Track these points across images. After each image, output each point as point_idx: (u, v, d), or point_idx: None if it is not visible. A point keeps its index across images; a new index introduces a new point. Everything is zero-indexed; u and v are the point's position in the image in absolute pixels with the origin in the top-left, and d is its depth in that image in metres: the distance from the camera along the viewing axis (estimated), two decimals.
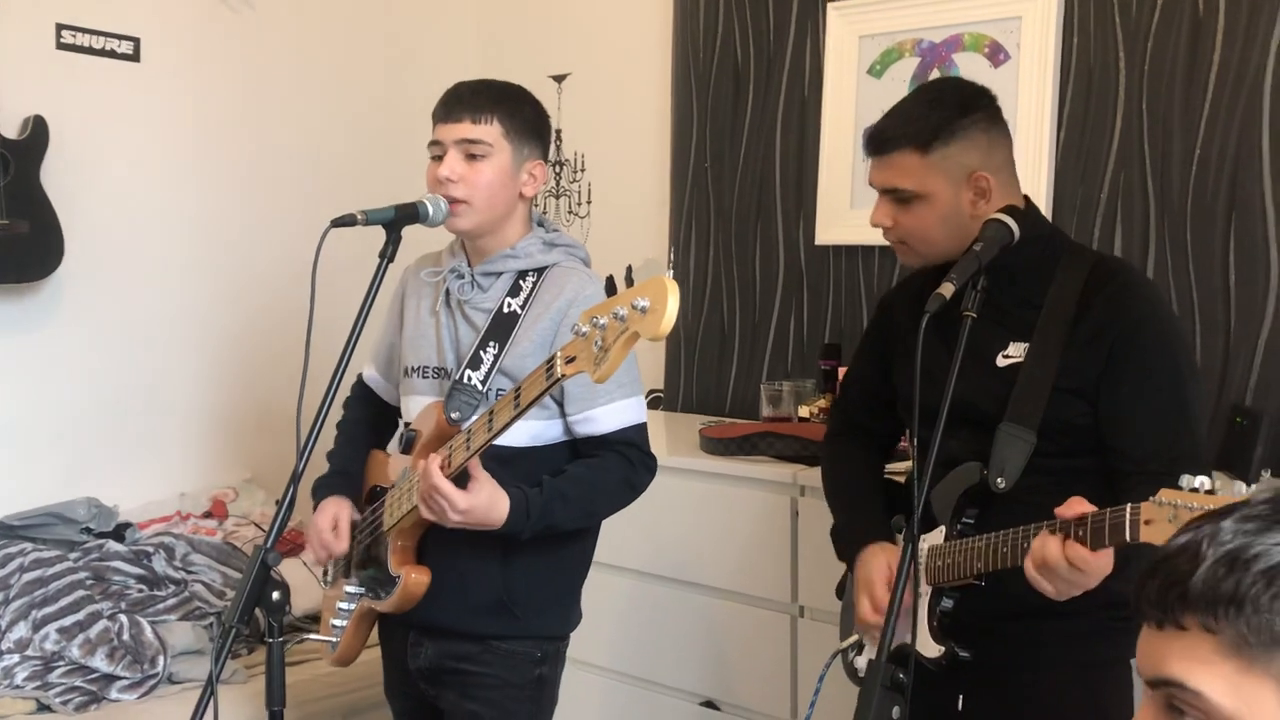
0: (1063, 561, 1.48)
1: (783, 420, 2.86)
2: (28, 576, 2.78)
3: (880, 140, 1.81)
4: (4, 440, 3.05)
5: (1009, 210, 1.71)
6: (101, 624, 2.71)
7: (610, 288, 1.48)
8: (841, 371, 2.83)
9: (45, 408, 3.12)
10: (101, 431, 3.23)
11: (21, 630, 2.69)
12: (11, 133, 2.95)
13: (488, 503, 1.82)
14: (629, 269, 1.47)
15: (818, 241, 3.11)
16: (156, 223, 3.31)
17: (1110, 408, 1.69)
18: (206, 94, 3.38)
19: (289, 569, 2.70)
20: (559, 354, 1.62)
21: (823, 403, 2.84)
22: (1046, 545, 1.50)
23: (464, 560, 1.97)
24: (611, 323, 1.50)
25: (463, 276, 2.03)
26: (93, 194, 3.14)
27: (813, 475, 2.52)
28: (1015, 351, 1.74)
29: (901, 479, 2.03)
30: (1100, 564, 1.47)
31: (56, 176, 3.01)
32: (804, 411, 2.85)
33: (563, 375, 1.61)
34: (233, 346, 3.46)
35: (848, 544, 1.89)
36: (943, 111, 1.77)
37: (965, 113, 1.77)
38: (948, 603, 1.71)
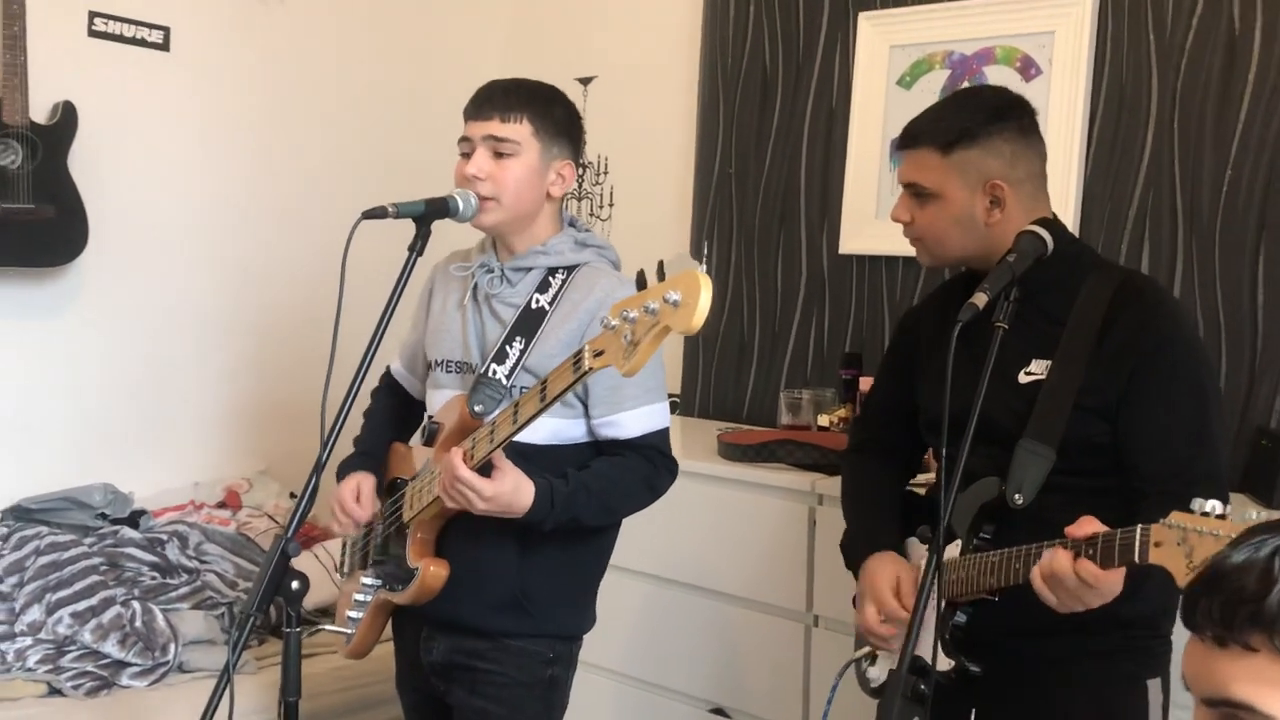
0: (1071, 575, 1.47)
1: (802, 429, 2.85)
2: (43, 560, 2.78)
3: (908, 135, 1.83)
4: (23, 424, 3.06)
5: (1043, 223, 1.70)
6: (114, 610, 2.71)
7: (641, 283, 1.47)
8: (863, 381, 2.82)
9: (64, 392, 3.13)
10: (119, 418, 3.23)
11: (35, 613, 2.69)
12: (41, 118, 2.96)
13: (512, 488, 1.82)
14: (660, 263, 1.46)
15: (841, 250, 3.10)
16: (181, 211, 3.32)
17: (1129, 426, 1.67)
18: (235, 85, 3.39)
19: (304, 562, 2.70)
20: (587, 347, 1.61)
21: (843, 412, 2.83)
22: (1056, 558, 1.49)
23: (481, 555, 1.96)
24: (642, 316, 1.49)
25: (492, 271, 2.02)
26: (119, 181, 3.15)
27: (831, 484, 2.51)
28: (1037, 368, 1.73)
29: (922, 491, 2.01)
30: (1110, 583, 1.46)
31: (84, 163, 3.02)
32: (823, 420, 2.84)
33: (590, 369, 1.60)
34: (253, 338, 3.47)
35: (855, 553, 1.89)
36: (972, 116, 1.78)
37: (994, 120, 1.77)
38: (961, 617, 1.70)
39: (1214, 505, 1.30)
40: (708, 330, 3.35)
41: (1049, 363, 1.71)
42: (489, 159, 1.95)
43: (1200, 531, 1.29)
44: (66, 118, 2.99)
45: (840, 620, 2.45)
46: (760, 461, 2.69)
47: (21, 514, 2.95)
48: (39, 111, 2.96)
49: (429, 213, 1.88)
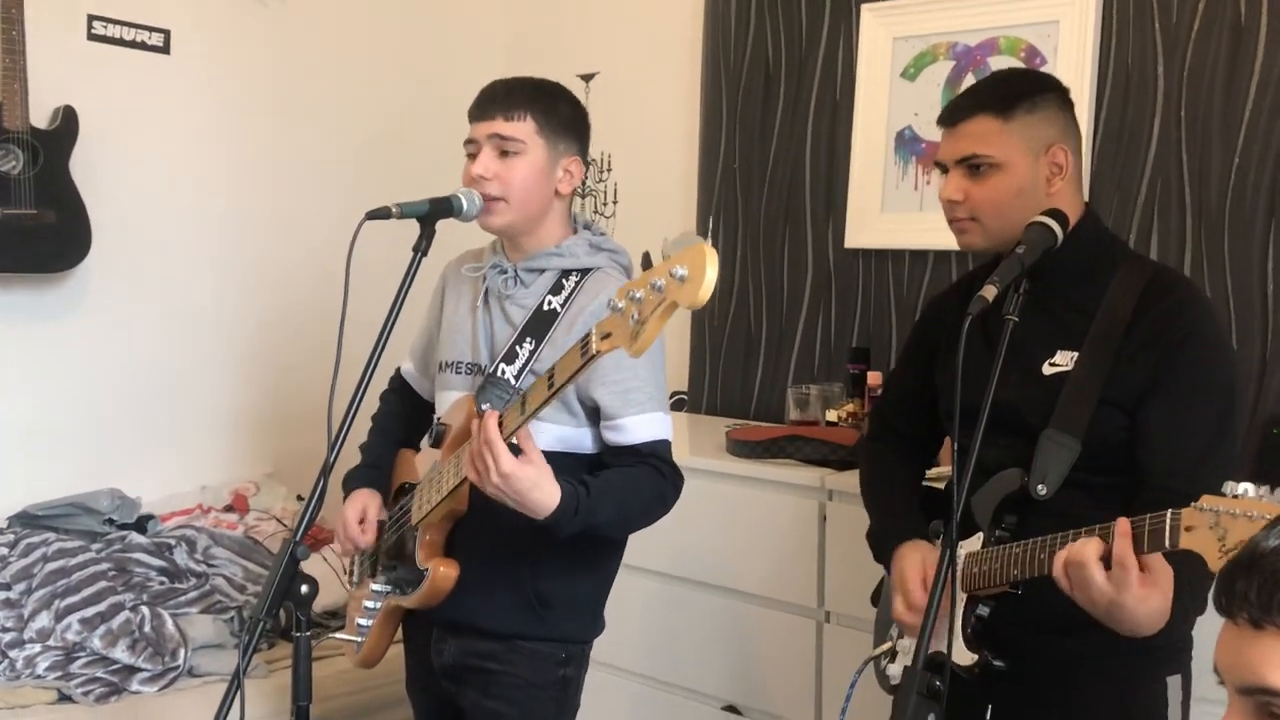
0: (1092, 563, 1.43)
1: (810, 424, 2.83)
2: (50, 566, 2.78)
3: (957, 108, 1.78)
4: (28, 430, 3.05)
5: (1052, 213, 1.69)
6: (123, 615, 2.70)
7: (646, 263, 1.47)
8: (870, 376, 2.81)
9: (69, 398, 3.13)
10: (125, 423, 3.23)
11: (44, 620, 2.69)
12: (42, 123, 2.95)
13: (532, 479, 1.75)
14: (665, 241, 1.44)
15: (847, 245, 3.09)
16: (184, 215, 3.31)
17: (1146, 421, 1.65)
18: (236, 87, 3.38)
19: (313, 565, 2.68)
20: (594, 330, 1.58)
21: (851, 407, 2.82)
22: (1086, 544, 1.45)
23: (492, 558, 1.95)
24: (648, 294, 1.47)
25: (505, 272, 2.01)
26: (120, 185, 3.14)
27: (840, 480, 2.50)
28: (1063, 360, 1.70)
29: (940, 486, 2.00)
30: (1140, 581, 1.42)
31: (85, 167, 3.01)
32: (832, 415, 2.83)
33: (598, 352, 1.57)
34: (258, 341, 3.46)
35: (884, 544, 1.86)
36: (1023, 84, 1.77)
37: (1045, 89, 1.77)
38: (983, 610, 1.68)
39: (1246, 487, 1.27)
40: (715, 328, 3.35)
41: (1075, 354, 1.69)
42: (494, 159, 1.93)
43: (1234, 514, 1.26)
44: (67, 122, 2.98)
45: (852, 616, 2.44)
46: (769, 458, 2.68)
47: (29, 520, 2.94)
48: (39, 116, 2.95)
49: (433, 212, 1.86)
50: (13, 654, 2.64)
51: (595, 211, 3.56)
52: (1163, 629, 1.49)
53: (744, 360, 3.30)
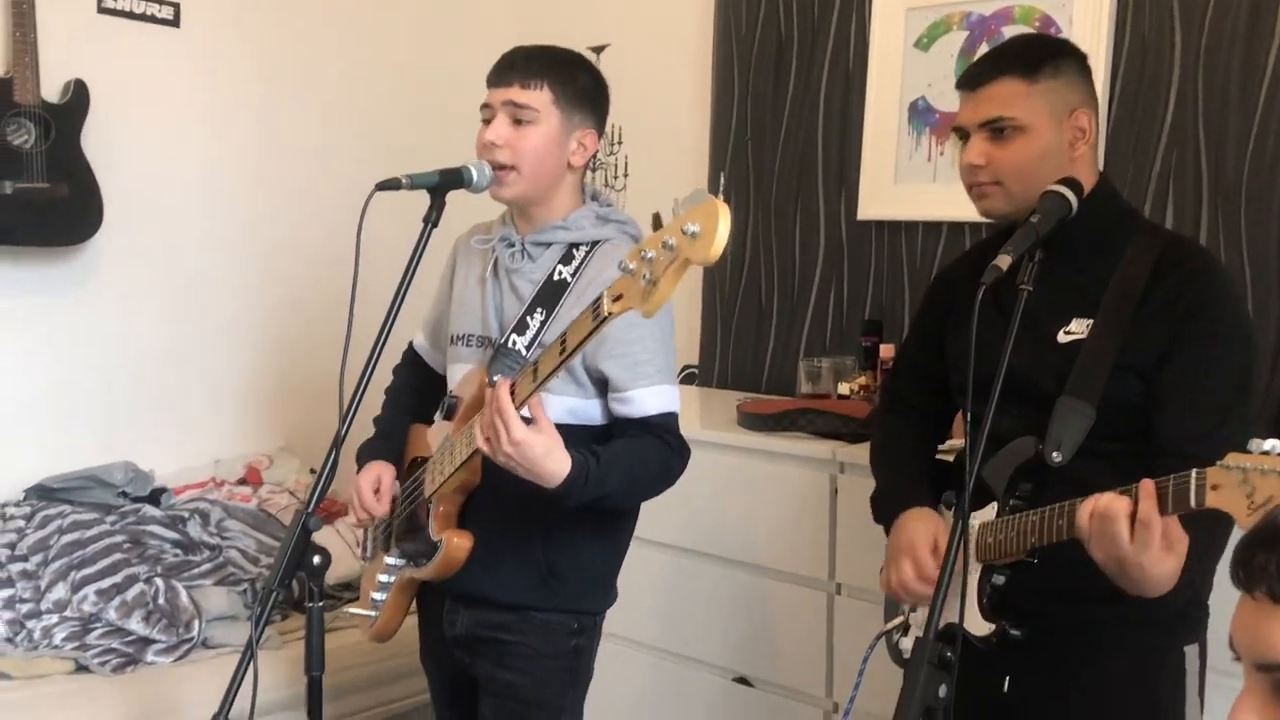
0: (1121, 516, 1.41)
1: (822, 397, 2.83)
2: (66, 538, 2.79)
3: (980, 71, 1.76)
4: (43, 403, 3.06)
5: (1067, 182, 1.67)
6: (138, 587, 2.72)
7: (657, 225, 1.46)
8: (883, 349, 2.80)
9: (83, 371, 3.14)
10: (138, 396, 3.24)
11: (60, 591, 2.71)
12: (53, 96, 2.95)
13: (543, 449, 1.73)
14: (675, 201, 1.42)
15: (860, 217, 3.07)
16: (195, 187, 3.31)
17: (1162, 387, 1.64)
18: (245, 59, 3.37)
19: (325, 537, 2.70)
20: (605, 292, 1.56)
21: (863, 380, 2.81)
22: (1116, 499, 1.43)
23: (505, 530, 1.95)
24: (660, 254, 1.45)
25: (513, 245, 2.00)
26: (131, 158, 3.14)
27: (852, 452, 2.49)
28: (1078, 328, 1.69)
29: (952, 458, 1.99)
30: (1160, 547, 1.41)
31: (96, 141, 3.01)
32: (843, 388, 2.82)
33: (609, 314, 1.55)
34: (270, 314, 3.46)
35: (888, 506, 1.85)
36: (1045, 47, 1.76)
37: (1066, 54, 1.76)
38: (999, 579, 1.68)
39: (1274, 443, 1.25)
40: (725, 301, 3.34)
41: (1090, 321, 1.68)
42: (508, 126, 1.92)
43: (1263, 470, 1.24)
44: (78, 96, 2.98)
45: (863, 588, 2.44)
46: (780, 431, 2.68)
47: (44, 493, 2.96)
48: (51, 90, 2.95)
49: (443, 183, 1.86)
50: (30, 624, 2.66)
51: (606, 184, 3.55)
52: (1167, 593, 1.48)
53: (755, 333, 3.30)
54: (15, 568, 2.74)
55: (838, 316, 3.13)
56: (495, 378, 1.84)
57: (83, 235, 3.01)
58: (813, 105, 3.16)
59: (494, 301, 2.01)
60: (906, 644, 1.83)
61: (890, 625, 1.86)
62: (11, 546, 2.78)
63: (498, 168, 1.92)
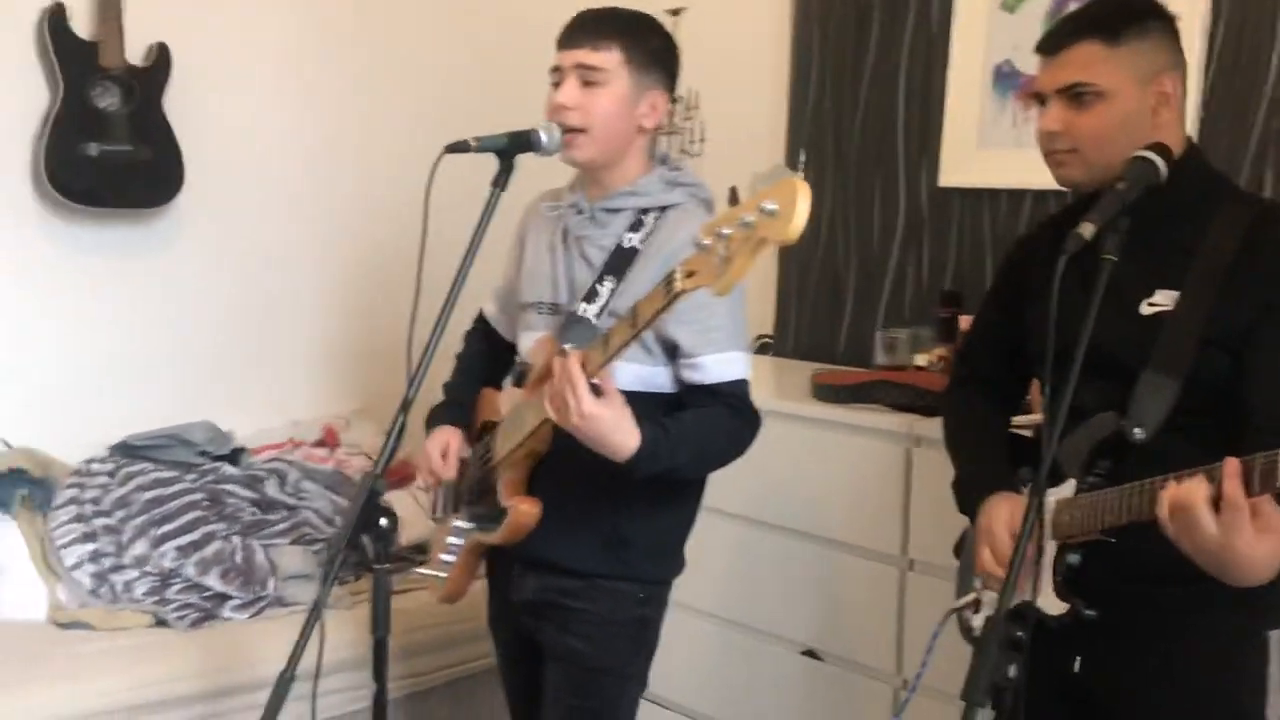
0: (1202, 504, 1.36)
1: (899, 369, 2.77)
2: (147, 495, 2.86)
3: (1059, 34, 1.69)
4: (125, 363, 3.13)
5: (1155, 147, 1.60)
6: (216, 544, 2.78)
7: (734, 200, 1.44)
8: (962, 320, 2.73)
9: (165, 332, 3.20)
10: (218, 357, 3.29)
11: (141, 546, 2.77)
12: (137, 59, 2.99)
13: (612, 421, 1.72)
14: (753, 175, 1.39)
15: (941, 183, 2.99)
16: (274, 149, 3.34)
17: (1252, 361, 1.57)
18: (325, 20, 3.39)
19: (397, 500, 2.72)
20: (678, 268, 1.54)
21: (941, 351, 2.74)
22: (1192, 486, 1.38)
23: (574, 498, 1.95)
24: (736, 231, 1.42)
25: (582, 211, 1.99)
26: (211, 121, 3.18)
27: (928, 426, 2.44)
28: (1162, 299, 1.62)
29: (1028, 433, 1.93)
30: (1254, 529, 1.35)
31: (178, 103, 3.06)
32: (921, 360, 2.76)
33: (682, 290, 1.53)
34: (348, 275, 3.50)
35: (970, 494, 1.81)
36: (1132, 7, 1.67)
37: (1152, 16, 1.68)
38: (1074, 558, 1.62)
39: None
40: (801, 270, 3.29)
41: (1176, 293, 1.61)
42: (578, 88, 1.90)
43: None
44: (161, 58, 3.02)
45: (936, 564, 2.40)
46: (856, 403, 2.63)
47: (127, 451, 3.03)
48: (135, 53, 2.99)
49: (512, 146, 1.84)
50: (113, 578, 2.73)
51: (682, 150, 3.50)
52: (1272, 580, 1.42)
53: (832, 302, 3.24)
54: (99, 522, 2.81)
55: (916, 287, 3.06)
56: (566, 347, 1.83)
57: (164, 197, 3.06)
58: (894, 69, 3.09)
59: (564, 269, 2.00)
60: (977, 621, 1.79)
61: (961, 603, 1.82)
62: (95, 501, 2.85)
63: (568, 130, 1.90)
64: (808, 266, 3.28)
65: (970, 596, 1.81)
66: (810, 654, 2.70)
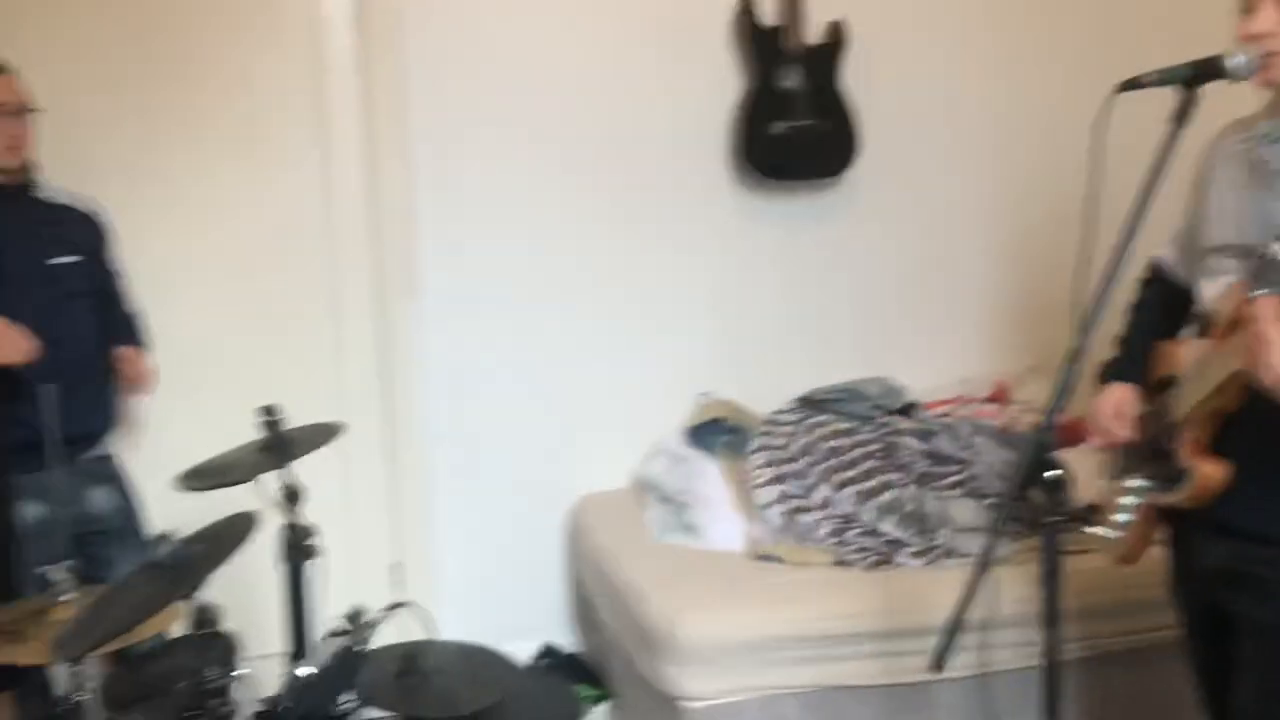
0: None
1: None
2: (828, 444, 3.08)
3: None
4: (811, 322, 3.40)
5: None
6: (891, 493, 2.91)
7: None
8: None
9: (845, 294, 3.41)
10: (893, 317, 3.45)
11: (824, 491, 2.99)
12: (814, 38, 3.20)
13: None
14: None
15: None
16: (942, 113, 3.40)
17: None
18: None
19: (1071, 459, 2.65)
20: None
21: None
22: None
23: (1270, 459, 1.76)
24: None
25: (1277, 140, 1.78)
26: (887, 89, 3.31)
27: None
28: None
29: None
30: None
31: (854, 75, 3.22)
32: None
33: None
34: (1018, 232, 3.46)
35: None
36: None
37: None
38: None
39: None
40: None
41: None
42: (1276, 14, 1.71)
43: None
44: (835, 35, 3.20)
45: None
46: None
47: (810, 403, 3.28)
48: (813, 32, 3.20)
49: (1196, 76, 1.71)
50: (799, 518, 2.98)
51: None
52: None
53: None
54: (786, 468, 3.08)
55: None
56: (1258, 293, 1.66)
57: (841, 167, 3.25)
58: None
59: (1256, 207, 1.81)
60: None
61: None
62: (783, 448, 3.13)
63: (1267, 55, 1.71)
64: None
65: None
66: None
